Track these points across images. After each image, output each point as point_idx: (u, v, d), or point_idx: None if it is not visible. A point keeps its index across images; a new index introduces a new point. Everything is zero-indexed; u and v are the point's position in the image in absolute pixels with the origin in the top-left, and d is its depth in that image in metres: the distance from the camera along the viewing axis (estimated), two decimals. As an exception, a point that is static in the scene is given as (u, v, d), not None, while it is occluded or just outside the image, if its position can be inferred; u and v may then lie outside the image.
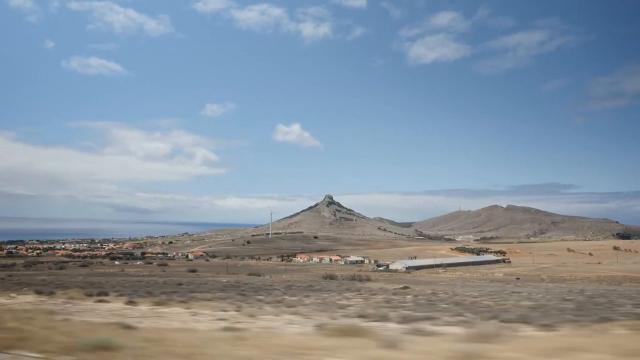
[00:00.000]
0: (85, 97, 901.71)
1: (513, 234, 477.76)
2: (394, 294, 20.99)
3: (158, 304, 13.78)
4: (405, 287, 26.90)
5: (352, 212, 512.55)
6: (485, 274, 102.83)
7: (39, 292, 17.18)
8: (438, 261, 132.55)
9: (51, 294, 16.35)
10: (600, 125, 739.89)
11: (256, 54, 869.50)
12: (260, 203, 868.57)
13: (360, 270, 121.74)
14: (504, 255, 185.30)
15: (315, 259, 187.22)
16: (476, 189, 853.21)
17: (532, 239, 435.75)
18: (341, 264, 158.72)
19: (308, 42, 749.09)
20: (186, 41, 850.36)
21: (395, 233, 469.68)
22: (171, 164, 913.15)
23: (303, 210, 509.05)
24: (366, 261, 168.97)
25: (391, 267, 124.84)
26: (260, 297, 17.58)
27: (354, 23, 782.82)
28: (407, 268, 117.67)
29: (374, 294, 21.23)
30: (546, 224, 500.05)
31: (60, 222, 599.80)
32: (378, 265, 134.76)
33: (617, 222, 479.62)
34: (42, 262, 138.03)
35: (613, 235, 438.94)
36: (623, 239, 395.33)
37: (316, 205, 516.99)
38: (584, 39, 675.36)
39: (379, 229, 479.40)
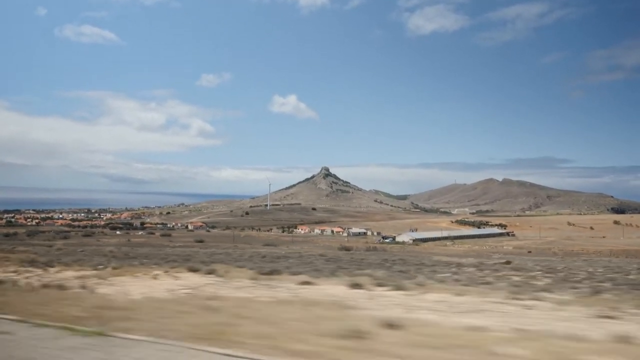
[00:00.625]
0: (79, 66, 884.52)
1: (508, 208, 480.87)
2: (495, 269, 19.22)
3: (378, 284, 11.54)
4: (507, 262, 24.86)
5: (348, 184, 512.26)
6: (494, 246, 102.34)
7: (193, 270, 14.54)
8: (445, 234, 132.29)
9: (210, 272, 14.13)
10: (597, 99, 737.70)
11: (252, 24, 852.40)
12: (256, 174, 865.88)
13: (367, 242, 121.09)
14: (504, 228, 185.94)
15: (317, 231, 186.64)
16: (471, 162, 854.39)
17: (527, 212, 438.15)
18: (344, 236, 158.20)
19: (305, 12, 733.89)
20: (181, 10, 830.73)
21: (392, 205, 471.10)
22: (166, 135, 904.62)
23: (299, 182, 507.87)
24: (369, 233, 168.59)
25: (398, 239, 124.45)
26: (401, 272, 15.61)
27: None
28: (414, 240, 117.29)
29: (479, 268, 19.41)
30: (541, 198, 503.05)
31: (55, 192, 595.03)
32: (384, 237, 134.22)
33: (612, 196, 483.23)
34: (43, 232, 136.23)
35: (608, 209, 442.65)
36: (618, 213, 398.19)
37: (312, 177, 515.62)
38: (583, 12, 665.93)
39: (375, 201, 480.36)
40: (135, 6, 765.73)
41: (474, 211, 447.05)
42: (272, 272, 13.77)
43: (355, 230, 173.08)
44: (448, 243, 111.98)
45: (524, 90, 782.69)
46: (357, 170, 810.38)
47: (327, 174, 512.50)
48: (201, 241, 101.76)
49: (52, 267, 15.06)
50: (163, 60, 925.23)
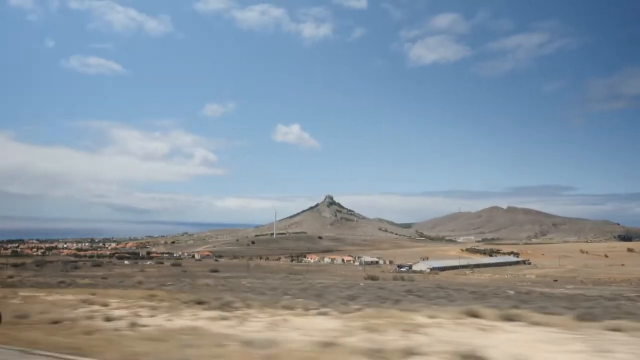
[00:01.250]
0: (84, 96, 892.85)
1: (514, 235, 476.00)
2: (571, 298, 17.52)
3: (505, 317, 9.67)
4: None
5: (352, 213, 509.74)
6: (516, 275, 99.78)
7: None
8: (464, 262, 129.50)
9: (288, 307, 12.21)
10: (598, 127, 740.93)
11: (256, 54, 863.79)
12: (259, 203, 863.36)
13: (384, 271, 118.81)
14: (517, 257, 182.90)
15: (327, 259, 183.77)
16: (474, 190, 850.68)
17: (533, 240, 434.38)
18: (356, 265, 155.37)
19: (308, 43, 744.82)
20: (186, 41, 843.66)
21: (396, 234, 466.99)
22: (170, 164, 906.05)
23: (304, 211, 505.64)
24: (381, 262, 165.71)
25: (414, 268, 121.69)
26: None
27: (354, 24, 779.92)
28: (431, 269, 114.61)
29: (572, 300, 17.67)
30: (547, 226, 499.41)
31: (58, 221, 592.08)
32: (399, 266, 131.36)
33: (618, 223, 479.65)
34: (50, 262, 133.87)
35: (614, 237, 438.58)
36: (624, 240, 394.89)
37: (317, 205, 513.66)
38: (583, 41, 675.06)
39: (380, 229, 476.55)
40: (140, 37, 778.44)
41: (480, 239, 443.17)
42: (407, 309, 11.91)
43: (367, 259, 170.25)
44: (467, 272, 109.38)
45: (525, 118, 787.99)
46: (360, 198, 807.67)
47: (331, 202, 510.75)
48: (216, 270, 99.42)
49: (242, 309, 11.85)
50: (168, 90, 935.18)
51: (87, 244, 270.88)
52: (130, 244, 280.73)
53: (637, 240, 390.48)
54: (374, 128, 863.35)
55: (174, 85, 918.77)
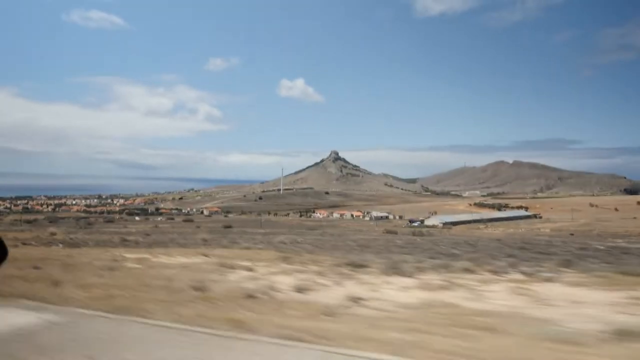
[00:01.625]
0: (86, 51, 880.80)
1: (519, 190, 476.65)
2: None
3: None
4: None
5: (358, 168, 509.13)
6: (531, 229, 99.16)
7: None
8: (476, 216, 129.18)
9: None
10: (608, 78, 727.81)
11: (260, 7, 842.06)
12: (264, 159, 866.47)
13: (396, 226, 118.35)
14: (526, 211, 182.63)
15: (336, 215, 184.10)
16: (480, 145, 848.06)
17: (539, 194, 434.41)
18: (366, 220, 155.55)
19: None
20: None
21: (402, 189, 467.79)
22: (174, 120, 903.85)
23: (309, 166, 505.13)
24: (390, 217, 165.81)
25: (427, 222, 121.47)
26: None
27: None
28: (444, 224, 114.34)
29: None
30: (553, 180, 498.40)
31: (63, 178, 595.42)
32: (411, 221, 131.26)
33: (624, 177, 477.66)
34: (62, 218, 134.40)
35: (620, 190, 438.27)
36: (631, 194, 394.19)
37: (322, 161, 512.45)
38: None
39: (385, 184, 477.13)
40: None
41: (485, 194, 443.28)
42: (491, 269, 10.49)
43: (376, 214, 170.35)
44: (481, 226, 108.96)
45: (533, 70, 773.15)
46: (365, 154, 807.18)
47: (336, 157, 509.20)
48: (230, 226, 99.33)
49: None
50: (171, 45, 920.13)
51: (95, 200, 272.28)
52: (138, 200, 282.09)
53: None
54: (379, 82, 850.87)
55: (176, 39, 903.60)
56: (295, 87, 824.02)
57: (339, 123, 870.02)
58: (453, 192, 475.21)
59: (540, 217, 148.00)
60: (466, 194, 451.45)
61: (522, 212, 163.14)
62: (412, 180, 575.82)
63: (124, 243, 19.83)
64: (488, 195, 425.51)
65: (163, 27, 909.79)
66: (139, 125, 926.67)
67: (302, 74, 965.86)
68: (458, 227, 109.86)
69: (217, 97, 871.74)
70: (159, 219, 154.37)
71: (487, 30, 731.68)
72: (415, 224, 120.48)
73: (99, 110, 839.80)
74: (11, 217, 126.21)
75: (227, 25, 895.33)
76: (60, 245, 15.49)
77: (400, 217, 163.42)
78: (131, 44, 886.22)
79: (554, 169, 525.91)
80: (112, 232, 49.46)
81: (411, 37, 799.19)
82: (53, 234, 23.41)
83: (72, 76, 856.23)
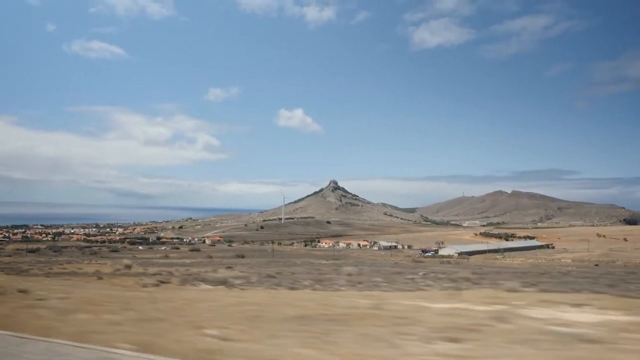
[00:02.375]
0: (86, 81, 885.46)
1: (519, 220, 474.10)
2: None
3: None
4: None
5: (357, 198, 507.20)
6: (551, 259, 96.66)
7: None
8: (493, 246, 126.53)
9: None
10: (603, 110, 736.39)
11: (260, 38, 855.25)
12: (261, 188, 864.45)
13: (409, 256, 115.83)
14: (533, 241, 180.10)
15: (342, 244, 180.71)
16: (477, 175, 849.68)
17: (539, 224, 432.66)
18: (375, 249, 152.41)
19: (312, 27, 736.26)
20: (189, 24, 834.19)
21: (402, 218, 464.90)
22: (172, 149, 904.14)
23: (308, 196, 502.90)
24: (399, 246, 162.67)
25: (441, 252, 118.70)
26: None
27: (358, 7, 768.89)
28: (459, 254, 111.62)
29: None
30: (552, 210, 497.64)
31: (61, 207, 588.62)
32: (424, 251, 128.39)
33: (623, 207, 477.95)
34: (64, 247, 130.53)
35: (620, 221, 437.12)
36: (630, 224, 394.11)
37: (321, 190, 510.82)
38: (588, 23, 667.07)
39: (385, 214, 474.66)
40: (143, 21, 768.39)
41: (485, 223, 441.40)
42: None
43: (385, 243, 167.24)
44: (498, 256, 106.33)
45: (529, 102, 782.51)
46: (363, 183, 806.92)
47: (335, 187, 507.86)
48: (242, 256, 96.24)
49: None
50: (170, 74, 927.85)
51: (93, 229, 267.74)
52: (138, 228, 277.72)
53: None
54: (377, 113, 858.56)
55: (176, 69, 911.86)
56: (294, 117, 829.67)
57: (337, 152, 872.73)
58: (453, 222, 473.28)
59: (553, 247, 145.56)
60: (466, 223, 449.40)
61: (535, 242, 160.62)
62: (411, 210, 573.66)
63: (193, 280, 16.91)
64: (488, 225, 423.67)
65: (163, 58, 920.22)
66: (137, 154, 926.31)
67: (301, 104, 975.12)
68: (474, 257, 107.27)
69: (216, 126, 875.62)
70: (163, 248, 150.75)
71: (484, 63, 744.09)
72: (429, 254, 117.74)
73: (97, 139, 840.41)
74: (12, 247, 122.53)
75: (227, 56, 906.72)
76: (202, 284, 12.77)
77: (410, 247, 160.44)
78: (131, 73, 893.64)
79: (553, 199, 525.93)
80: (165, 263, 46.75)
81: (408, 70, 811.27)
82: (128, 266, 20.69)
83: (72, 105, 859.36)
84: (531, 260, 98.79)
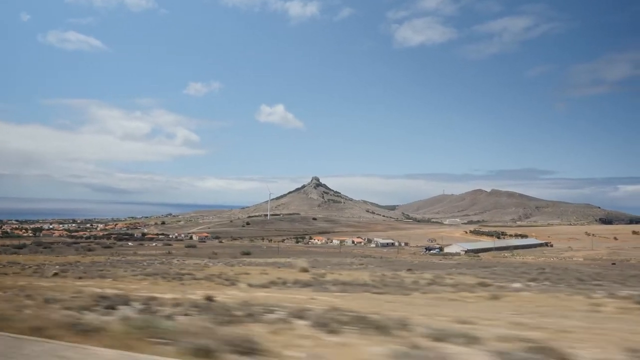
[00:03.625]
0: (62, 73, 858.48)
1: (498, 218, 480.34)
2: None
3: None
4: None
5: (339, 195, 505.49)
6: (563, 258, 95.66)
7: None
8: (502, 244, 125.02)
9: None
10: (579, 112, 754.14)
11: (241, 33, 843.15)
12: (241, 184, 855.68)
13: (414, 254, 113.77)
14: (525, 239, 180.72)
15: (335, 241, 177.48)
16: (455, 174, 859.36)
17: (518, 222, 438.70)
18: (373, 247, 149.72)
19: (295, 22, 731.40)
20: (169, 17, 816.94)
21: (384, 216, 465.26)
22: (151, 144, 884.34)
23: (290, 192, 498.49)
24: (396, 244, 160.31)
25: (447, 250, 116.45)
26: None
27: (342, 3, 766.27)
28: (466, 251, 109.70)
29: None
30: (530, 209, 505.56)
31: (35, 202, 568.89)
32: (427, 249, 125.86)
33: (599, 207, 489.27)
34: (50, 243, 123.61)
35: (596, 220, 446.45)
36: (605, 224, 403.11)
37: (303, 187, 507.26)
38: (568, 26, 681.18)
39: (367, 211, 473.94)
40: (122, 13, 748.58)
41: (465, 221, 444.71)
42: None
43: (382, 241, 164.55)
44: (506, 254, 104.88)
45: (508, 102, 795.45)
46: (343, 180, 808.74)
47: (317, 184, 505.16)
48: (248, 253, 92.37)
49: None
50: (150, 68, 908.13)
51: (72, 224, 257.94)
52: (119, 224, 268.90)
53: (617, 223, 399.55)
54: (358, 110, 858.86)
55: (156, 63, 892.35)
56: (275, 113, 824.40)
57: (318, 149, 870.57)
58: (434, 220, 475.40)
59: (552, 246, 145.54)
60: (447, 221, 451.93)
61: (535, 241, 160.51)
62: (392, 208, 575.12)
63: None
64: (469, 222, 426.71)
65: (143, 50, 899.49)
66: (114, 149, 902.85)
67: (283, 100, 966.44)
68: (483, 256, 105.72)
69: (196, 121, 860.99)
70: (154, 244, 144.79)
71: (465, 62, 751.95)
72: (434, 252, 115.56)
73: (73, 132, 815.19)
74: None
75: (208, 50, 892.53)
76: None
77: (406, 244, 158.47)
78: (109, 66, 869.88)
79: (531, 198, 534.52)
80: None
81: (390, 67, 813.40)
82: (305, 269, 17.09)
83: (47, 98, 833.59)
84: (542, 258, 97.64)
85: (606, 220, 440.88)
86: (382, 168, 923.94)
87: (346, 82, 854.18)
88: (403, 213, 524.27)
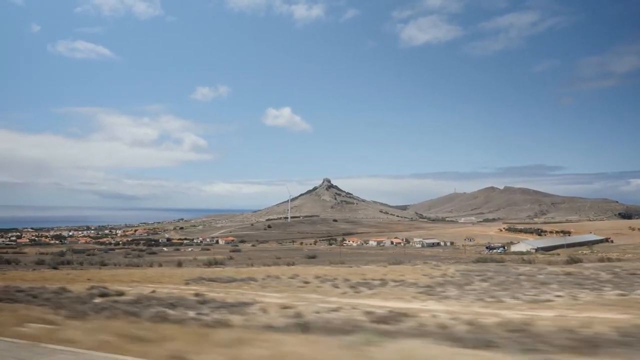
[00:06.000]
0: (71, 82, 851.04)
1: (514, 215, 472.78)
2: None
3: None
4: None
5: (351, 196, 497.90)
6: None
7: None
8: (562, 241, 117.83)
9: None
10: (588, 106, 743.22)
11: (248, 37, 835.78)
12: (249, 188, 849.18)
13: (480, 253, 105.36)
14: (569, 235, 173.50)
15: (372, 242, 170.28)
16: (463, 172, 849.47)
17: (535, 219, 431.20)
18: (419, 247, 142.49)
19: (300, 25, 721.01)
20: (176, 24, 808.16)
21: (398, 216, 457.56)
22: (159, 150, 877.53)
23: (302, 194, 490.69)
24: (441, 243, 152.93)
25: (514, 248, 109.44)
26: None
27: (347, 4, 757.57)
28: (536, 250, 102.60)
29: None
30: (546, 205, 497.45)
31: (46, 209, 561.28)
32: (488, 247, 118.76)
33: (617, 201, 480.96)
34: (84, 251, 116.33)
35: (615, 215, 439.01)
36: (625, 218, 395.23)
37: (315, 189, 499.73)
38: (575, 19, 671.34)
39: (381, 211, 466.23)
40: (130, 21, 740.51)
41: (481, 220, 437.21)
42: None
43: (427, 241, 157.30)
44: (586, 251, 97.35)
45: (515, 98, 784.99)
46: (352, 181, 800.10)
47: (329, 185, 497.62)
48: (314, 257, 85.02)
49: None
50: (157, 75, 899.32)
51: (92, 231, 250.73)
52: (138, 230, 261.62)
53: (637, 218, 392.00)
54: (365, 110, 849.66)
55: (163, 69, 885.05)
56: (282, 116, 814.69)
57: (326, 151, 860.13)
58: (448, 219, 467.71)
59: (612, 242, 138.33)
60: (462, 220, 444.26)
61: (595, 237, 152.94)
62: (403, 207, 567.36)
63: None
64: (484, 221, 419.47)
65: (150, 58, 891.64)
66: (123, 156, 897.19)
67: (289, 103, 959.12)
68: (558, 252, 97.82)
69: (203, 126, 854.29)
70: (190, 249, 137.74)
71: (471, 60, 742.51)
72: (498, 250, 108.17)
73: (82, 140, 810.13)
74: (31, 250, 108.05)
75: (215, 55, 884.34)
76: None
77: (452, 244, 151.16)
78: (118, 74, 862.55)
79: (546, 194, 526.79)
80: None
81: (397, 67, 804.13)
82: None
83: (57, 107, 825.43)
84: (629, 255, 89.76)
85: (626, 215, 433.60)
86: (389, 168, 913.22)
87: (352, 83, 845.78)
88: (416, 212, 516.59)
